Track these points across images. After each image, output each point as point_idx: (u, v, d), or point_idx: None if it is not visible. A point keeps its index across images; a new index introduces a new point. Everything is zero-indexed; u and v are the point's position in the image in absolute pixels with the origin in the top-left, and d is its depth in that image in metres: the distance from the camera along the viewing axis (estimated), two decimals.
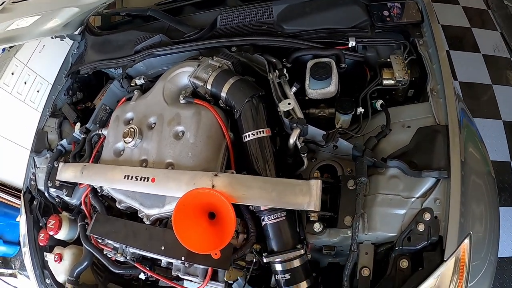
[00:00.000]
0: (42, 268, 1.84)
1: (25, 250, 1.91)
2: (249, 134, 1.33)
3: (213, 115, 1.39)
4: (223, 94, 1.39)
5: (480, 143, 1.57)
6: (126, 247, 1.47)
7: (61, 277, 1.79)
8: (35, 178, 1.96)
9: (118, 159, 1.54)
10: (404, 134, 1.34)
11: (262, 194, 1.21)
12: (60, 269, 1.78)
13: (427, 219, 1.18)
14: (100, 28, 2.18)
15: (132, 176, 1.40)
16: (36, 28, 1.87)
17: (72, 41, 2.19)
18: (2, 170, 3.03)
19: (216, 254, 1.19)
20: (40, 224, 1.90)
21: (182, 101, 1.46)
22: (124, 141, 1.49)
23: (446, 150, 1.23)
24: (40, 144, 1.97)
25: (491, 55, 3.04)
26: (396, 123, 1.38)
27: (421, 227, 1.17)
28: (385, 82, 1.49)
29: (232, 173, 1.35)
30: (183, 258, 1.29)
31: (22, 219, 1.95)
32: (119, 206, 1.50)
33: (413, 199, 1.22)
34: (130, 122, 1.57)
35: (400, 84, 1.48)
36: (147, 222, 1.41)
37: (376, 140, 1.35)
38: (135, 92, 1.64)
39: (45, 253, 1.84)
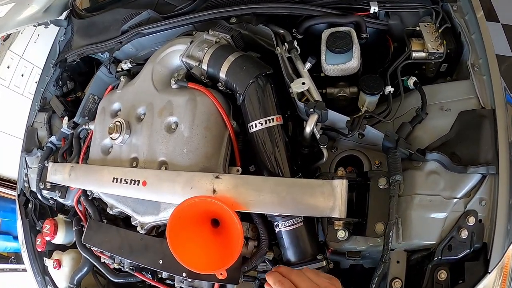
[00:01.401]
0: (43, 274, 1.59)
1: (25, 254, 1.65)
2: (256, 124, 0.99)
3: (211, 101, 1.04)
4: (222, 75, 1.04)
5: None
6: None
7: (62, 284, 1.55)
8: (28, 179, 1.68)
9: (107, 158, 1.23)
10: (443, 119, 1.03)
11: (274, 199, 0.90)
12: (60, 276, 1.54)
13: (471, 224, 0.92)
14: (87, 10, 1.81)
15: (120, 179, 1.09)
16: (14, 17, 1.56)
17: (58, 27, 1.83)
18: (7, 166, 2.77)
19: (221, 274, 0.89)
20: (37, 228, 1.64)
21: (174, 86, 1.12)
22: (111, 137, 1.17)
23: (493, 140, 0.95)
24: (30, 143, 1.68)
25: (511, 25, 2.61)
26: (432, 105, 1.06)
27: (464, 234, 0.92)
28: (415, 54, 1.13)
29: (238, 170, 1.03)
30: (184, 275, 1.00)
31: (18, 224, 1.68)
32: (110, 212, 1.21)
33: (455, 200, 0.95)
34: (118, 114, 1.24)
35: (433, 58, 1.12)
36: (142, 231, 1.11)
37: (410, 127, 1.02)
38: (122, 79, 1.30)
39: (44, 259, 1.58)
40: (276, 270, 0.72)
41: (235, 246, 0.86)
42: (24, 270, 2.91)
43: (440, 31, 1.13)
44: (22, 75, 2.57)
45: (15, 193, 2.78)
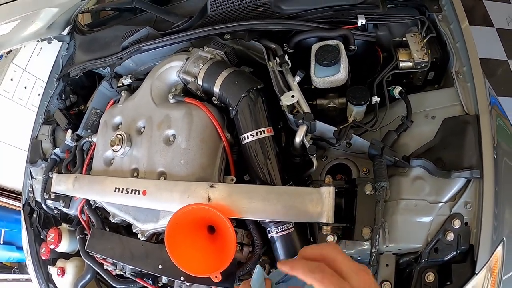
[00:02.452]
0: (47, 282, 1.68)
1: (29, 263, 1.75)
2: (248, 135, 1.08)
3: (206, 115, 1.14)
4: (216, 90, 1.13)
5: (506, 121, 1.29)
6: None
7: None
8: (33, 189, 1.78)
9: (109, 169, 1.32)
10: (427, 126, 1.10)
11: (266, 206, 0.98)
12: (64, 283, 1.62)
13: (457, 227, 0.97)
14: (90, 25, 1.94)
15: (122, 189, 1.18)
16: (18, 33, 1.67)
17: (61, 42, 1.95)
18: (10, 176, 2.89)
19: (216, 277, 0.98)
20: (42, 237, 1.74)
21: (171, 101, 1.22)
22: (113, 149, 1.27)
23: (477, 145, 1.01)
24: (34, 154, 1.78)
25: (506, 29, 2.68)
26: (417, 113, 1.13)
27: (450, 236, 0.97)
28: (402, 64, 1.22)
29: (232, 180, 1.12)
30: (182, 279, 1.09)
31: (23, 233, 1.79)
32: (113, 220, 1.30)
33: (440, 204, 1.00)
34: (119, 127, 1.35)
35: (419, 67, 1.20)
36: (142, 238, 1.20)
37: (396, 135, 1.09)
38: (123, 93, 1.41)
39: (48, 267, 1.68)
40: (302, 254, 0.58)
41: (229, 250, 0.95)
42: (28, 280, 3.02)
43: (425, 40, 1.20)
44: (25, 88, 2.70)
45: (18, 204, 2.91)
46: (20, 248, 2.95)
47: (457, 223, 0.97)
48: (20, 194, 2.93)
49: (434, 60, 1.21)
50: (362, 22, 1.24)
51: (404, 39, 1.24)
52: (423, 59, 1.19)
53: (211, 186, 1.02)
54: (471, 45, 1.17)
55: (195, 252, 1.01)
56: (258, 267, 0.70)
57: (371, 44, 1.31)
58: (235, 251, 0.93)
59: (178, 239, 1.00)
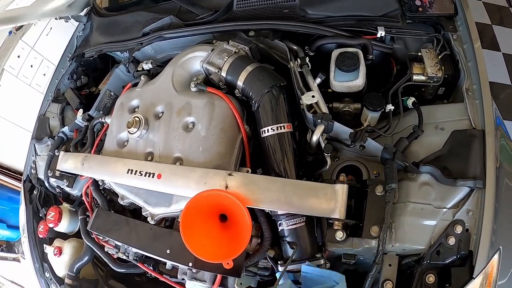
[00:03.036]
0: (41, 260, 1.66)
1: (24, 240, 1.73)
2: (268, 129, 1.12)
3: (228, 105, 1.17)
4: (240, 83, 1.17)
5: (510, 142, 1.37)
6: (128, 246, 1.29)
7: (61, 272, 1.61)
8: (36, 166, 1.76)
9: (122, 150, 1.34)
10: (437, 137, 1.16)
11: (281, 197, 1.02)
12: (60, 263, 1.61)
13: (458, 232, 1.03)
14: (108, 9, 1.94)
15: (135, 171, 1.20)
16: (39, 7, 1.67)
17: (78, 23, 1.95)
18: (7, 153, 2.84)
19: (228, 263, 1.00)
20: (40, 215, 1.72)
21: (193, 89, 1.25)
22: (129, 131, 1.28)
23: (482, 157, 1.07)
24: (41, 131, 1.77)
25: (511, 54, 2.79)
26: (428, 124, 1.19)
27: (451, 241, 1.02)
28: (415, 77, 1.28)
29: (247, 171, 1.15)
30: (190, 264, 1.10)
31: (21, 209, 1.76)
32: (121, 202, 1.31)
33: (444, 210, 1.06)
34: (136, 110, 1.36)
35: (432, 81, 1.27)
36: (152, 222, 1.21)
37: (407, 142, 1.15)
38: (142, 78, 1.43)
39: (44, 245, 1.66)
40: None
41: (243, 237, 0.98)
42: (15, 259, 2.95)
43: (440, 57, 1.27)
44: (31, 66, 2.67)
45: (13, 182, 2.85)
46: (10, 227, 2.90)
47: (459, 229, 1.02)
48: (15, 172, 2.89)
49: (446, 76, 1.27)
50: (381, 33, 1.30)
51: (419, 54, 1.31)
52: (436, 74, 1.25)
53: (229, 175, 1.05)
54: (482, 65, 1.23)
55: (207, 238, 1.03)
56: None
57: (387, 55, 1.37)
58: (249, 238, 0.96)
59: (192, 224, 1.02)
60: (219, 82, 1.23)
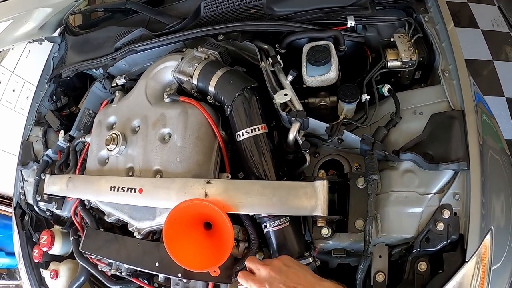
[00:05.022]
0: (39, 285, 1.66)
1: (21, 266, 1.73)
2: (242, 133, 1.11)
3: (201, 113, 1.17)
4: (211, 89, 1.16)
5: (492, 118, 1.36)
6: (120, 262, 1.29)
7: None
8: (24, 192, 1.76)
9: (104, 168, 1.34)
10: (416, 122, 1.15)
11: (262, 200, 1.01)
12: (58, 286, 1.60)
13: (446, 217, 1.01)
14: (81, 27, 1.94)
15: (118, 187, 1.20)
16: (10, 33, 1.67)
17: (52, 44, 1.95)
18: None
19: (214, 271, 1.00)
20: (34, 240, 1.72)
21: (166, 100, 1.24)
22: (108, 148, 1.28)
23: (463, 139, 1.06)
24: (26, 156, 1.77)
25: (491, 30, 2.78)
26: (406, 110, 1.18)
27: (440, 226, 1.01)
28: (390, 64, 1.27)
29: (227, 176, 1.14)
30: (179, 275, 1.10)
31: (15, 236, 1.77)
32: (108, 220, 1.31)
33: (430, 196, 1.04)
34: (113, 126, 1.36)
35: (407, 66, 1.25)
36: (139, 236, 1.21)
37: (386, 131, 1.14)
38: (117, 93, 1.42)
39: (41, 270, 1.66)
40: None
41: (226, 244, 0.97)
42: (17, 286, 2.95)
43: (413, 41, 1.25)
44: (14, 90, 2.66)
45: (6, 209, 2.86)
46: (9, 254, 2.90)
47: (446, 214, 1.01)
48: (8, 198, 2.90)
49: (421, 59, 1.25)
50: (351, 23, 1.29)
51: (392, 39, 1.29)
52: (411, 59, 1.23)
53: (208, 182, 1.04)
54: (456, 44, 1.22)
55: (192, 247, 1.03)
56: None
57: (360, 44, 1.36)
58: (233, 245, 0.96)
59: (175, 235, 1.01)
60: (192, 90, 1.23)
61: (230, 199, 1.02)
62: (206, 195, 1.03)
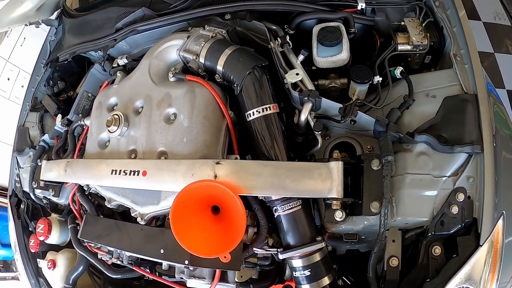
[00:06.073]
0: (37, 276, 1.56)
1: (17, 257, 1.62)
2: (253, 112, 1.04)
3: (209, 92, 1.08)
4: (219, 67, 1.08)
5: (502, 107, 1.32)
6: (121, 250, 1.20)
7: (57, 285, 1.52)
8: (20, 179, 1.65)
9: (104, 151, 1.24)
10: (429, 105, 1.09)
11: (275, 182, 0.94)
12: (55, 276, 1.51)
13: (461, 200, 0.97)
14: (79, 10, 1.83)
15: (120, 171, 1.11)
16: (6, 15, 1.56)
17: (49, 27, 1.83)
18: None
19: (225, 257, 0.92)
20: (30, 229, 1.62)
21: (171, 79, 1.15)
22: (109, 130, 1.18)
23: (477, 122, 1.02)
24: (21, 142, 1.66)
25: (492, 23, 2.75)
26: (418, 93, 1.12)
27: (454, 210, 0.97)
28: (400, 47, 1.21)
29: (236, 158, 1.06)
30: (186, 262, 1.02)
31: (10, 225, 1.66)
32: (108, 205, 1.21)
33: (444, 178, 1.00)
34: (114, 108, 1.26)
35: (418, 50, 1.20)
36: (142, 222, 1.12)
37: (399, 112, 1.08)
38: (118, 74, 1.32)
39: (38, 260, 1.56)
40: None
41: (238, 228, 0.89)
42: (14, 278, 2.82)
43: (423, 25, 1.21)
44: (8, 79, 2.53)
45: (2, 199, 2.72)
46: (5, 246, 2.76)
47: (460, 197, 0.97)
48: (4, 189, 2.75)
49: (432, 43, 1.21)
50: (362, 5, 1.23)
51: (402, 23, 1.24)
52: (422, 42, 1.19)
53: (217, 163, 0.96)
54: (468, 29, 1.18)
55: (200, 233, 0.95)
56: None
57: (369, 28, 1.30)
58: (245, 229, 0.88)
59: (183, 219, 0.93)
60: (198, 69, 1.14)
61: (241, 181, 0.94)
62: (215, 176, 0.95)
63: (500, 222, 0.98)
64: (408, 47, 1.20)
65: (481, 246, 0.94)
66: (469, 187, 0.98)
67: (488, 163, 0.98)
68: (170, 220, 0.92)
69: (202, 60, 1.11)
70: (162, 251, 1.07)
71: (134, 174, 1.07)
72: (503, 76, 2.51)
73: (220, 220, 0.99)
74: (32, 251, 1.57)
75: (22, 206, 1.64)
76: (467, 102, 1.05)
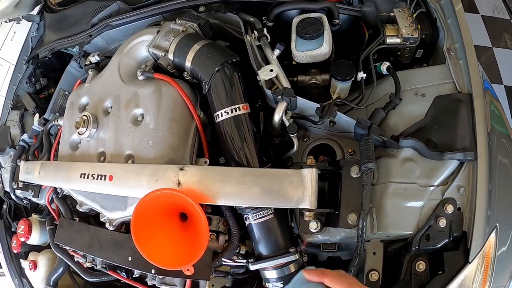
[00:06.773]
0: (20, 276, 1.52)
1: (1, 257, 1.59)
2: (222, 113, 0.94)
3: (176, 91, 0.99)
4: (188, 64, 0.98)
5: (499, 105, 1.19)
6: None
7: (39, 286, 1.47)
8: (1, 179, 1.60)
9: (75, 153, 1.17)
10: (417, 105, 0.99)
11: (241, 190, 0.85)
12: (37, 277, 1.47)
13: (449, 212, 0.87)
14: (61, 4, 1.74)
15: (88, 174, 1.03)
16: None
17: (31, 23, 1.75)
18: None
19: (188, 270, 0.85)
20: (13, 229, 1.57)
21: (140, 78, 1.06)
22: (78, 132, 1.11)
23: (471, 125, 0.91)
24: (2, 141, 1.60)
25: (491, 16, 2.59)
26: (407, 91, 1.01)
27: (442, 223, 0.87)
28: (389, 40, 1.10)
29: (205, 162, 0.98)
30: (153, 271, 0.95)
31: None
32: (80, 209, 1.15)
33: (432, 188, 0.90)
34: (86, 108, 1.18)
35: (407, 43, 1.08)
36: (111, 228, 1.05)
37: (384, 113, 0.97)
38: (90, 72, 1.24)
39: (21, 260, 1.52)
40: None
41: (201, 240, 0.81)
42: (1, 275, 2.81)
43: (414, 16, 1.09)
44: None
45: None
46: None
47: (449, 208, 0.87)
48: None
49: (424, 36, 1.09)
50: None
51: (391, 14, 1.13)
52: (412, 35, 1.07)
53: (181, 169, 0.88)
54: (463, 21, 1.06)
55: (165, 242, 0.87)
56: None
57: (356, 19, 1.18)
58: (208, 241, 0.80)
59: (145, 228, 0.85)
60: (168, 66, 1.05)
61: (206, 188, 0.85)
62: (179, 183, 0.87)
63: (493, 236, 0.88)
64: (397, 40, 1.09)
65: (470, 263, 0.84)
66: (460, 198, 0.88)
67: (482, 171, 0.88)
68: (131, 229, 0.85)
69: (171, 56, 1.02)
70: (130, 258, 1.00)
71: (101, 179, 1.00)
72: (500, 71, 2.36)
73: (187, 228, 0.91)
74: (15, 251, 1.53)
75: (4, 206, 1.60)
76: (461, 103, 0.94)
